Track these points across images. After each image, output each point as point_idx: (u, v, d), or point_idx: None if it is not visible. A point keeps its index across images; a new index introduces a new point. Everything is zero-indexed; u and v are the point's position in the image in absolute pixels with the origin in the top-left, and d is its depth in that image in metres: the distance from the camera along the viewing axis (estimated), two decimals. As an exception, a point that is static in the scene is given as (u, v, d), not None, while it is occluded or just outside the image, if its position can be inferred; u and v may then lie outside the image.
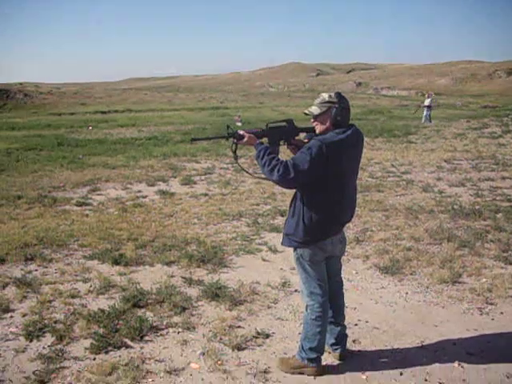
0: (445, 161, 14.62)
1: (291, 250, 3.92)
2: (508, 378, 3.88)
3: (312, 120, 3.76)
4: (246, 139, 3.78)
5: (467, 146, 18.01)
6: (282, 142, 3.95)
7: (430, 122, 27.86)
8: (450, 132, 23.18)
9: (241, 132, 3.82)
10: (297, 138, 4.01)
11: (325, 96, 3.70)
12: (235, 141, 3.84)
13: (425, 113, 28.51)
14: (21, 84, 67.15)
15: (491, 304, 5.18)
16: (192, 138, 4.37)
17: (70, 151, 17.19)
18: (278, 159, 3.56)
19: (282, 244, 3.97)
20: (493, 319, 4.87)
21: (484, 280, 5.77)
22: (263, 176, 3.69)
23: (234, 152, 3.92)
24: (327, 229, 3.76)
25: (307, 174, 3.48)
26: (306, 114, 3.80)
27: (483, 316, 4.93)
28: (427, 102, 28.80)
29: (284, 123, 3.99)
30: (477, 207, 8.98)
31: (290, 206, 3.85)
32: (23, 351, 4.32)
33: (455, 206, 9.02)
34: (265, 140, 3.85)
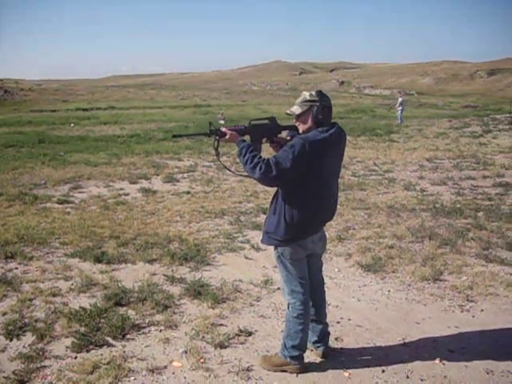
0: (427, 160, 14.73)
1: (273, 248, 3.91)
2: (488, 373, 3.91)
3: (294, 119, 3.76)
4: (227, 136, 3.76)
5: (449, 145, 18.18)
6: (264, 140, 3.93)
7: (401, 120, 28.18)
8: (431, 131, 23.37)
9: (223, 129, 3.79)
10: (279, 135, 3.99)
11: (306, 95, 3.70)
12: (217, 138, 3.81)
13: (398, 113, 28.75)
14: (1, 80, 66.38)
15: (472, 301, 5.22)
16: (173, 135, 4.34)
17: (51, 148, 17.01)
18: (260, 157, 3.55)
19: (261, 242, 3.95)
20: (473, 316, 4.91)
21: (465, 278, 5.81)
22: (245, 174, 3.68)
23: (216, 149, 3.89)
24: (308, 227, 3.75)
25: (289, 172, 3.47)
26: (288, 113, 3.79)
27: (464, 313, 4.97)
28: (399, 101, 29.08)
29: (266, 121, 3.98)
30: (458, 206, 9.07)
31: (271, 203, 3.84)
32: (3, 350, 4.27)
33: (437, 205, 9.10)
34: (247, 137, 3.83)
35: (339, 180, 4.01)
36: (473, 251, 6.69)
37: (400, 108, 28.65)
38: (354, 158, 14.91)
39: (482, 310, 5.03)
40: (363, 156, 15.37)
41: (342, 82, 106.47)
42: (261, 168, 3.45)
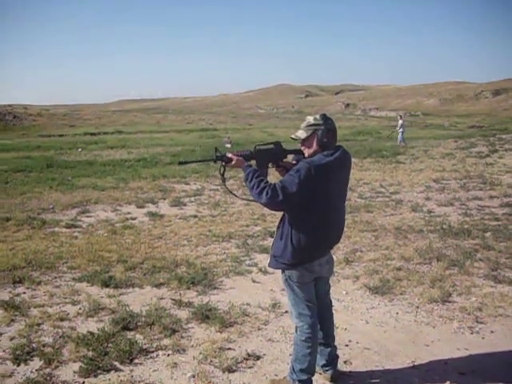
0: (433, 180, 14.71)
1: (280, 271, 3.91)
2: (499, 397, 3.87)
3: (300, 144, 3.78)
4: (234, 162, 3.78)
5: (455, 165, 18.16)
6: (270, 165, 3.95)
7: (403, 142, 28.25)
8: (438, 152, 23.37)
9: (229, 155, 3.81)
10: (285, 160, 4.02)
11: (310, 119, 3.73)
12: (223, 164, 3.83)
13: (399, 135, 28.84)
14: (10, 106, 67.05)
15: (481, 323, 5.18)
16: (179, 162, 4.32)
17: (59, 173, 17.15)
18: (267, 182, 3.57)
19: (268, 266, 3.95)
20: (483, 338, 4.87)
21: (474, 299, 5.77)
22: (251, 198, 3.69)
23: (222, 175, 3.91)
24: (315, 251, 3.76)
25: (296, 196, 3.49)
26: (293, 138, 3.81)
27: (474, 335, 4.93)
28: (400, 123, 29.23)
29: (272, 145, 4.00)
30: (465, 226, 9.03)
31: (278, 227, 3.85)
32: (10, 376, 4.26)
33: (444, 226, 9.07)
34: (253, 162, 3.85)
35: (346, 203, 4.02)
36: (481, 272, 6.65)
37: (401, 130, 28.81)
38: (360, 179, 14.90)
39: (492, 332, 4.98)
40: (370, 178, 15.36)
41: (348, 105, 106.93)
42: (267, 193, 3.47)
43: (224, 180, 3.95)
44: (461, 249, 7.60)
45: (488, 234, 8.46)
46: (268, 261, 3.97)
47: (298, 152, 3.91)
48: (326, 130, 3.65)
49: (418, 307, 5.62)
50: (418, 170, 17.22)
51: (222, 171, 3.88)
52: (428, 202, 11.69)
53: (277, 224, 3.91)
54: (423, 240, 8.21)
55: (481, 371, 4.24)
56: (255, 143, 4.03)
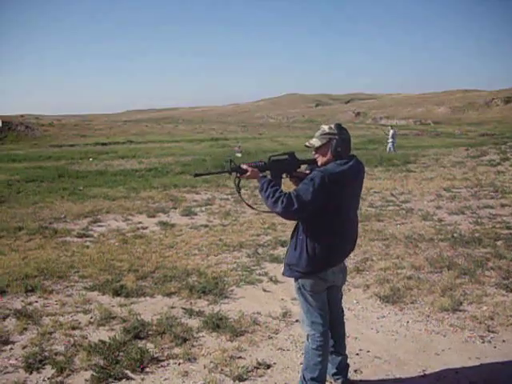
0: (444, 189, 14.66)
1: (292, 280, 3.93)
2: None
3: (313, 152, 3.81)
4: (249, 173, 3.81)
5: (466, 174, 18.09)
6: (284, 175, 3.98)
7: (393, 151, 28.84)
8: (448, 160, 23.31)
9: (244, 166, 3.84)
10: (298, 170, 4.05)
11: (325, 128, 3.76)
12: (238, 175, 3.87)
13: (389, 144, 29.52)
14: (22, 116, 67.62)
15: (493, 332, 5.15)
16: (195, 174, 4.32)
17: (70, 183, 17.28)
18: (282, 191, 3.60)
19: (283, 274, 3.98)
20: (495, 347, 4.84)
21: (485, 308, 5.75)
22: (267, 209, 3.72)
23: (238, 185, 3.94)
24: (330, 259, 3.77)
25: (310, 204, 3.51)
26: (307, 146, 3.84)
27: (485, 344, 4.91)
28: (391, 133, 29.80)
29: (286, 156, 4.03)
30: (476, 235, 8.99)
31: (292, 237, 3.87)
32: (23, 384, 4.30)
33: (455, 234, 9.04)
34: (267, 173, 3.89)
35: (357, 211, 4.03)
36: (492, 281, 6.62)
37: (391, 140, 29.46)
38: (371, 188, 14.89)
39: (504, 341, 4.95)
40: (380, 187, 15.35)
41: (358, 113, 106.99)
42: (282, 202, 3.49)
43: (239, 191, 3.97)
44: (472, 257, 7.56)
45: (499, 243, 8.42)
46: (282, 269, 3.99)
47: (312, 162, 3.94)
48: (340, 140, 3.68)
49: (428, 316, 5.61)
50: (428, 178, 17.19)
51: (237, 182, 3.91)
52: (439, 210, 11.65)
53: (288, 233, 3.95)
54: (434, 249, 8.18)
55: (492, 381, 4.22)
56: (266, 152, 4.08)
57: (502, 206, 11.94)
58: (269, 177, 3.82)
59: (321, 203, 3.54)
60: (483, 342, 4.94)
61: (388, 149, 29.15)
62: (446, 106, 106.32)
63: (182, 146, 36.39)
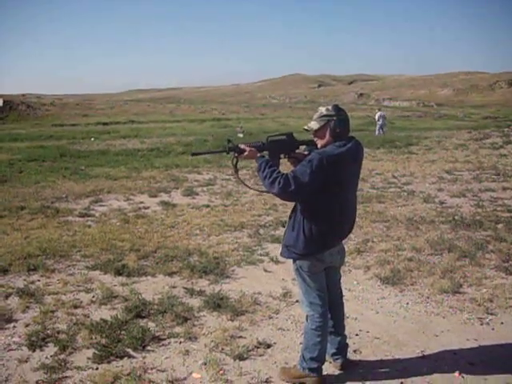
0: (446, 171, 14.66)
1: (291, 260, 3.95)
2: (508, 387, 3.89)
3: (312, 135, 3.80)
4: (246, 153, 3.81)
5: (468, 156, 18.08)
6: (282, 156, 3.98)
7: (383, 133, 28.89)
8: (451, 143, 23.25)
9: (242, 146, 3.84)
10: (297, 151, 4.04)
11: (322, 110, 3.74)
12: (236, 155, 3.87)
13: (377, 126, 29.53)
14: (23, 95, 67.39)
15: (492, 314, 5.18)
16: (192, 153, 4.33)
17: (72, 162, 17.28)
18: (279, 172, 3.59)
19: (280, 255, 4.00)
20: (493, 329, 4.88)
21: (484, 290, 5.78)
22: (263, 189, 3.72)
23: (235, 166, 3.95)
24: (327, 241, 3.78)
25: (308, 186, 3.51)
26: (306, 129, 3.83)
27: (484, 326, 4.94)
28: (377, 116, 30.03)
29: (284, 136, 4.02)
30: (477, 218, 9.00)
31: (290, 218, 3.88)
32: (26, 361, 4.35)
33: (456, 217, 9.05)
34: (265, 153, 3.88)
35: (358, 193, 4.04)
36: (492, 263, 6.65)
37: (379, 122, 29.40)
38: (372, 170, 14.88)
39: (502, 323, 4.99)
40: (382, 168, 15.33)
41: (361, 95, 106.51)
42: (279, 182, 3.49)
43: (237, 171, 3.98)
44: (472, 240, 7.59)
45: (500, 226, 8.44)
46: (280, 250, 4.01)
47: (310, 143, 3.93)
48: (338, 120, 3.66)
49: (428, 298, 5.64)
50: (430, 160, 17.17)
51: (234, 162, 3.92)
52: (440, 192, 11.66)
53: (289, 214, 3.95)
54: (435, 231, 8.20)
55: (490, 362, 4.25)
56: (268, 133, 4.07)
57: (504, 189, 11.95)
58: (267, 157, 3.82)
59: (318, 185, 3.54)
60: (482, 324, 4.98)
61: (377, 131, 29.04)
62: (449, 88, 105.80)
63: (183, 126, 36.31)
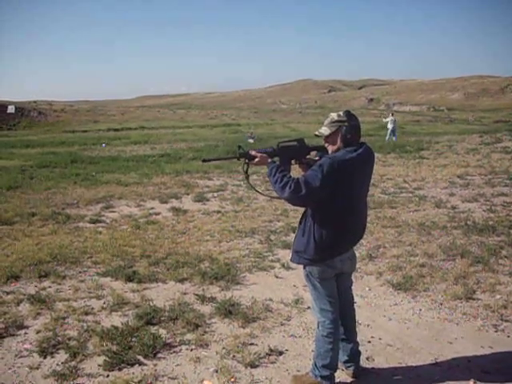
0: (458, 176, 14.56)
1: (302, 266, 3.92)
2: (524, 396, 3.83)
3: (323, 140, 3.78)
4: (257, 159, 3.80)
5: (480, 161, 17.95)
6: (293, 161, 3.96)
7: (389, 138, 28.47)
8: (462, 147, 23.13)
9: (252, 152, 3.83)
10: (308, 156, 4.02)
11: (334, 116, 3.72)
12: (247, 161, 3.86)
13: (389, 130, 29.02)
14: (35, 102, 67.86)
15: (506, 321, 5.12)
16: (203, 159, 4.31)
17: (83, 168, 17.36)
18: (290, 176, 3.58)
19: (291, 261, 3.98)
20: (508, 336, 4.81)
21: (499, 296, 5.71)
22: (274, 195, 3.71)
23: (246, 172, 3.94)
24: (337, 247, 3.76)
25: (318, 191, 3.49)
26: (317, 135, 3.82)
27: (498, 333, 4.88)
28: (389, 120, 29.45)
29: (295, 142, 4.00)
30: (490, 223, 8.92)
31: (300, 223, 3.86)
32: (37, 368, 4.34)
33: (468, 222, 8.97)
34: (276, 159, 3.86)
35: (368, 198, 4.00)
36: (506, 269, 6.57)
37: (390, 126, 28.85)
38: (383, 175, 14.81)
39: (517, 330, 4.93)
40: (393, 173, 15.26)
41: (371, 99, 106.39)
42: (290, 187, 3.48)
43: (247, 177, 3.97)
44: (485, 245, 7.51)
45: (513, 231, 8.35)
46: (290, 256, 3.98)
47: (321, 149, 3.91)
48: (349, 126, 3.64)
49: (441, 304, 5.58)
50: (441, 165, 17.06)
51: (245, 168, 3.91)
52: (452, 197, 11.58)
53: (299, 219, 3.92)
54: (447, 236, 8.14)
55: (506, 370, 4.19)
56: (278, 138, 4.07)
57: (517, 193, 11.84)
58: (278, 163, 3.80)
59: (329, 190, 3.52)
60: (496, 331, 4.92)
61: (387, 137, 28.53)
62: (460, 92, 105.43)
63: (194, 132, 36.41)
